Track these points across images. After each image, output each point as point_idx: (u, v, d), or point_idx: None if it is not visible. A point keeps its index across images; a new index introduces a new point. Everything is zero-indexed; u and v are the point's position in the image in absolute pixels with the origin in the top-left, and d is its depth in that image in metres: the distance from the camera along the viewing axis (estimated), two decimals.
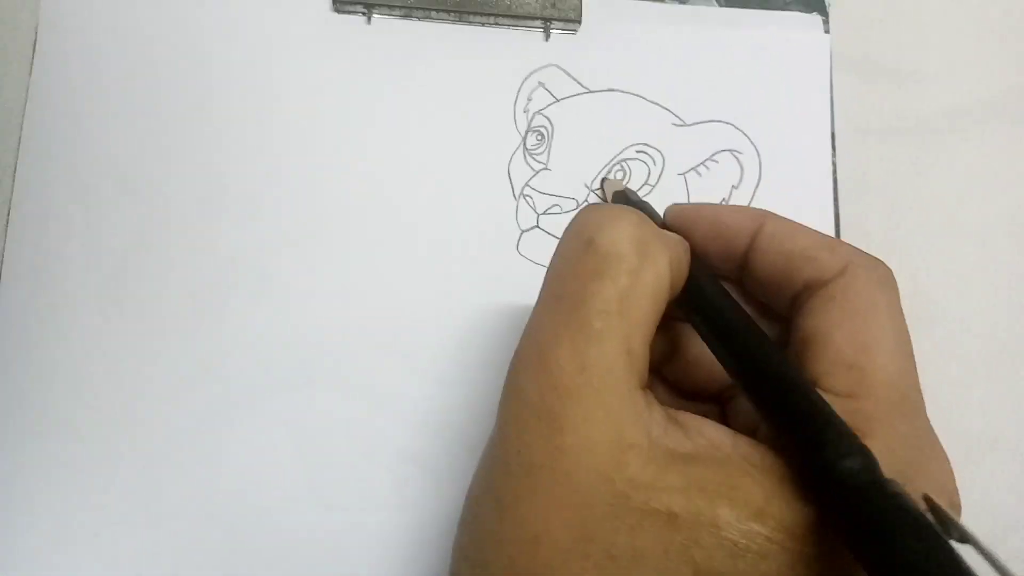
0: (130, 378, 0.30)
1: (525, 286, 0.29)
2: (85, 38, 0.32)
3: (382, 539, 0.28)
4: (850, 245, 0.22)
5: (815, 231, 0.22)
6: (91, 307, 0.30)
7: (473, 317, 0.30)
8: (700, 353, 0.24)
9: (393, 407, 0.29)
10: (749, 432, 0.23)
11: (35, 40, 0.32)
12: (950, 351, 0.31)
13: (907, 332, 0.21)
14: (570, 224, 0.21)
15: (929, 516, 0.16)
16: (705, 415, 0.24)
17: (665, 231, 0.21)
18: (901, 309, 0.21)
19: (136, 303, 0.30)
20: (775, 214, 0.23)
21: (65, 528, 0.29)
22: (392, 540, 0.28)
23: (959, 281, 0.32)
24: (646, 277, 0.19)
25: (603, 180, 0.31)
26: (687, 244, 0.22)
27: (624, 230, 0.20)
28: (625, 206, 0.21)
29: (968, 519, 0.29)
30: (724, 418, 0.24)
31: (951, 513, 0.16)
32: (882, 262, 0.22)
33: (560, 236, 0.21)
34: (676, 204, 0.24)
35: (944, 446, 0.20)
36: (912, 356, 0.21)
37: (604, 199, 0.31)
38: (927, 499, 0.17)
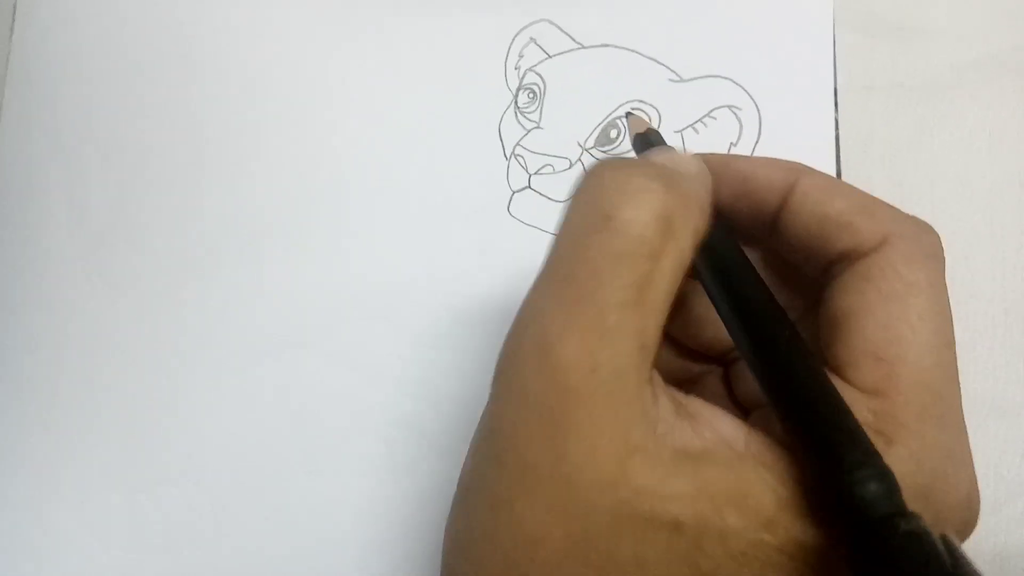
0: (115, 345, 0.29)
1: (517, 248, 0.28)
2: (66, 2, 0.32)
3: (372, 504, 0.28)
4: (893, 209, 0.20)
5: (856, 190, 0.20)
6: (75, 274, 0.30)
7: (463, 280, 0.29)
8: (706, 311, 0.22)
9: (383, 371, 0.29)
10: (754, 401, 0.22)
11: (15, 4, 0.32)
12: (956, 314, 0.30)
13: (949, 317, 0.19)
14: (583, 187, 0.18)
15: (944, 555, 0.15)
16: (708, 375, 0.24)
17: (690, 181, 0.19)
18: (945, 288, 0.19)
19: (120, 270, 0.30)
20: (813, 170, 0.20)
21: (50, 495, 0.28)
22: (382, 505, 0.28)
23: (965, 243, 0.31)
24: (668, 261, 0.17)
25: (628, 114, 0.29)
26: (710, 188, 0.20)
27: (649, 205, 0.17)
28: (649, 170, 0.18)
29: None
30: (728, 379, 0.23)
31: (969, 558, 0.15)
32: (929, 228, 0.19)
33: (567, 198, 0.18)
34: (701, 155, 0.21)
35: None
36: (952, 346, 0.19)
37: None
38: (944, 539, 0.15)
